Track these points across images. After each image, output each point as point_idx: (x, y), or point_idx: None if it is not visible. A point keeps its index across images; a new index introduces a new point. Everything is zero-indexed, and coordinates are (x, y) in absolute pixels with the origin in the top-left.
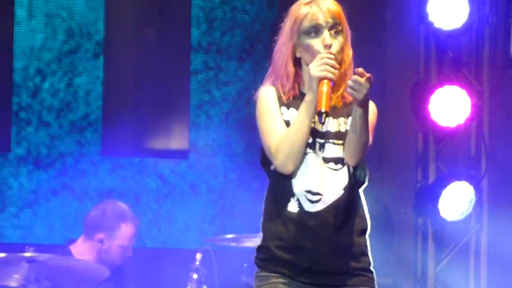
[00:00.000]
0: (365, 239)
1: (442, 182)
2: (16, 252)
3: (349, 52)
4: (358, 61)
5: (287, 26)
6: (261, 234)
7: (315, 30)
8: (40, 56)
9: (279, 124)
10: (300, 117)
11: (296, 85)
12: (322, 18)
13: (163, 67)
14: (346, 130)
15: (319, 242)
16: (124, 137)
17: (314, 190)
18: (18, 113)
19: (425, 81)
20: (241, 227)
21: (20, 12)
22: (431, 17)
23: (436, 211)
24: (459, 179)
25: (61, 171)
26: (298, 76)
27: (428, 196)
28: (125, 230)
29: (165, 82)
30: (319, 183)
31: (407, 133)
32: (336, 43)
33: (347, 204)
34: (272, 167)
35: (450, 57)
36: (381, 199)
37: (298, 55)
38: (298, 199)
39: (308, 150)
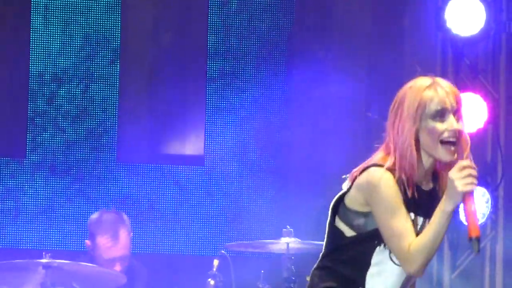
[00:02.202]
0: None
1: None
2: (33, 258)
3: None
4: (376, 67)
5: (407, 108)
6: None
7: (441, 113)
8: (56, 62)
9: (409, 225)
10: (438, 229)
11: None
12: (448, 102)
13: (179, 74)
14: None
15: None
16: (139, 143)
17: None
18: (34, 119)
19: None
20: (256, 233)
21: (36, 18)
22: (449, 24)
23: (455, 218)
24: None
25: (76, 177)
26: None
27: None
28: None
29: (181, 89)
30: None
31: None
32: (460, 127)
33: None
34: (347, 241)
35: (467, 64)
36: None
37: (421, 138)
38: None
39: None
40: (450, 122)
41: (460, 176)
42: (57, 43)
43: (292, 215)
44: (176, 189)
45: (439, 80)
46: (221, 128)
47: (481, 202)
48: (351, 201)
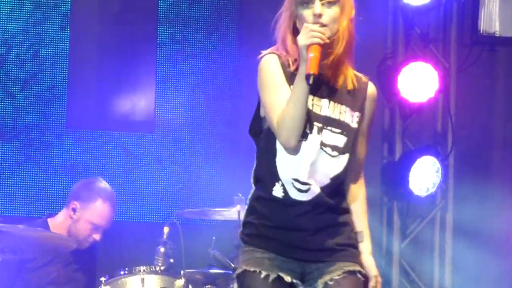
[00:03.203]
0: (349, 215)
1: (408, 158)
2: None
3: (344, 23)
4: None
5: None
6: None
7: (308, 0)
8: (6, 27)
9: (283, 97)
10: (296, 91)
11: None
12: None
13: (129, 40)
14: (352, 126)
15: (305, 224)
16: (89, 109)
17: (303, 180)
18: None
19: (392, 57)
20: (207, 201)
21: None
22: None
23: (405, 187)
24: (426, 154)
25: (25, 143)
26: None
27: (395, 172)
28: (100, 207)
29: (132, 55)
30: (310, 170)
31: None
32: (329, 12)
33: (334, 190)
34: (261, 142)
35: (418, 34)
36: None
37: (298, 26)
38: (283, 185)
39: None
40: (313, 8)
41: (303, 34)
42: (6, 8)
43: (243, 182)
44: (126, 156)
45: None
46: (171, 95)
47: (432, 172)
48: (262, 108)
